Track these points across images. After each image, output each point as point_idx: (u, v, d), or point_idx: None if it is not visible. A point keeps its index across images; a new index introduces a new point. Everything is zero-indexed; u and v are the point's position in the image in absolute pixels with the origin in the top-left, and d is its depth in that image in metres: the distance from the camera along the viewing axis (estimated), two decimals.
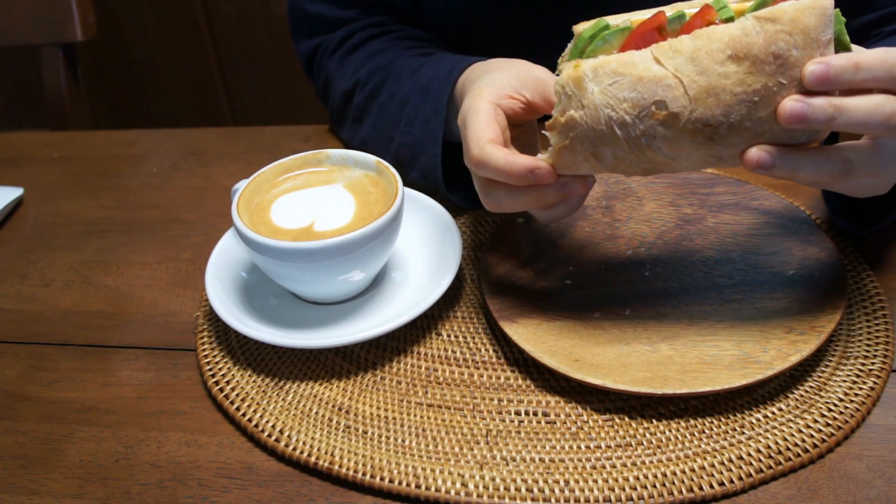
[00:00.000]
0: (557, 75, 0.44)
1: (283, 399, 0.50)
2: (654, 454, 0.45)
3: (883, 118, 0.40)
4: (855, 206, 0.59)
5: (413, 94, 0.64)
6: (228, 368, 0.53)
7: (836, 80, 0.39)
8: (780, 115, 0.40)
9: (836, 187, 0.45)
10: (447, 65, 0.61)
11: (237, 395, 0.51)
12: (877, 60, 0.39)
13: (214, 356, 0.54)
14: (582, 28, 0.44)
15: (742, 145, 0.41)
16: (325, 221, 0.53)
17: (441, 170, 0.61)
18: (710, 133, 0.41)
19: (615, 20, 0.44)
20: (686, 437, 0.46)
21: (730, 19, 0.41)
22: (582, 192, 0.46)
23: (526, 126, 0.54)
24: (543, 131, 0.45)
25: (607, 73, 0.41)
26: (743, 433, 0.45)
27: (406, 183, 0.68)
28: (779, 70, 0.39)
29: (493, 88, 0.50)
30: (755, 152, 0.41)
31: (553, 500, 0.43)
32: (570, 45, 0.45)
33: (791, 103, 0.39)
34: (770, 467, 0.43)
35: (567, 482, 0.44)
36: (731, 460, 0.44)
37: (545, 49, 0.54)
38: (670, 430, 0.46)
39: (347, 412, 0.49)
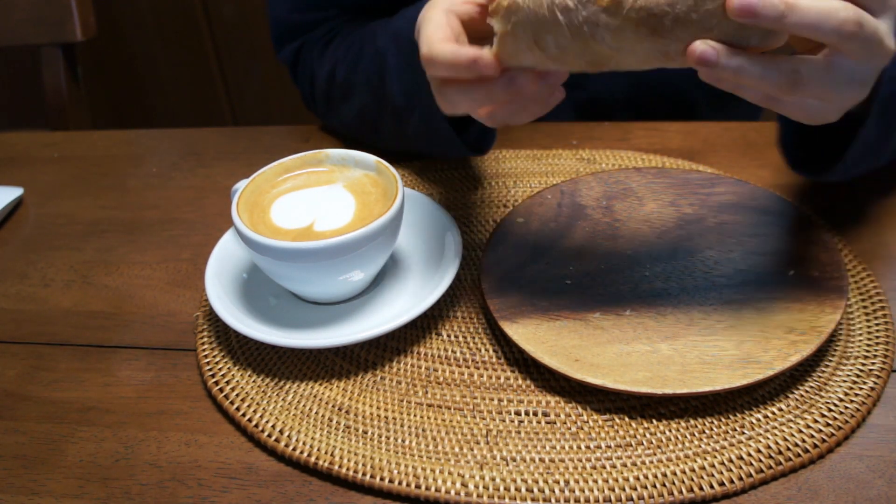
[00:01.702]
0: None
1: (283, 399, 0.50)
2: (654, 454, 0.45)
3: (836, 24, 0.38)
4: (813, 154, 0.58)
5: (388, 44, 0.64)
6: (228, 368, 0.53)
7: None
8: (728, 6, 0.38)
9: (783, 105, 0.43)
10: (415, 8, 0.61)
11: (237, 395, 0.51)
12: None
13: (214, 356, 0.54)
14: None
15: (688, 40, 0.40)
16: (325, 221, 0.53)
17: (438, 108, 0.61)
18: (654, 24, 0.39)
19: None
20: (686, 437, 0.46)
21: None
22: (532, 89, 0.45)
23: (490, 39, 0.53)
24: (489, 20, 0.44)
25: None
26: (743, 433, 0.45)
27: (408, 140, 0.69)
28: None
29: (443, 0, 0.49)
30: (700, 45, 0.39)
31: (553, 500, 0.43)
32: None
33: None
34: (770, 467, 0.43)
35: (567, 482, 0.44)
36: (731, 460, 0.44)
37: None
38: (670, 430, 0.46)
39: (347, 412, 0.49)
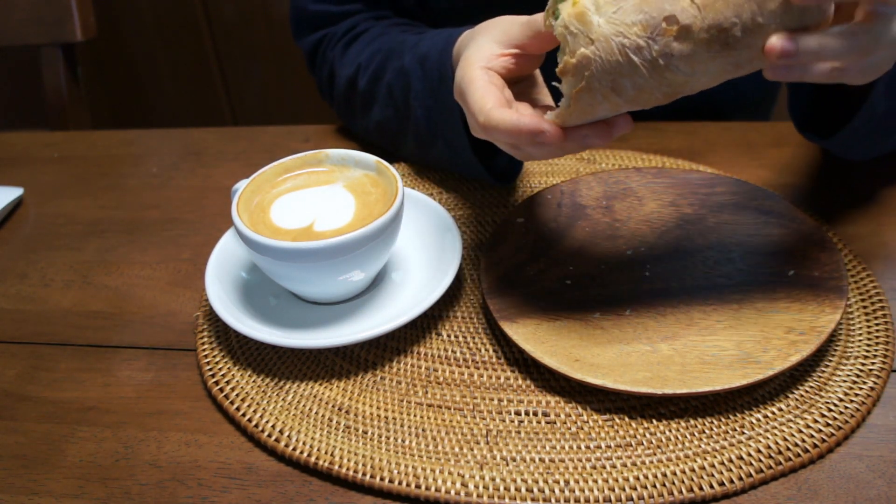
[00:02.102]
0: (548, 23, 0.44)
1: (283, 399, 0.50)
2: (654, 454, 0.45)
3: None
4: (820, 115, 0.59)
5: (414, 66, 0.64)
6: (228, 368, 0.53)
7: None
8: None
9: (846, 74, 0.43)
10: (444, 33, 0.62)
11: (237, 395, 0.51)
12: None
13: (214, 356, 0.54)
14: None
15: (758, 45, 0.41)
16: (325, 221, 0.53)
17: (464, 131, 0.61)
18: (725, 38, 0.40)
19: None
20: (686, 437, 0.46)
21: None
22: (601, 144, 0.46)
23: (527, 80, 0.53)
24: (554, 83, 0.44)
25: (608, 2, 0.41)
26: (743, 433, 0.45)
27: (431, 160, 0.70)
28: None
29: (479, 53, 0.50)
30: (776, 41, 0.40)
31: (553, 500, 0.43)
32: None
33: None
34: (770, 467, 0.43)
35: (567, 482, 0.44)
36: (731, 460, 0.44)
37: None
38: (670, 430, 0.46)
39: (347, 412, 0.49)
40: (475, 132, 0.49)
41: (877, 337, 0.51)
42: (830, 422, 0.46)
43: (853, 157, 0.64)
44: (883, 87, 0.53)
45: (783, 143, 0.73)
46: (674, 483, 0.43)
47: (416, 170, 0.72)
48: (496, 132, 0.46)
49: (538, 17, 0.48)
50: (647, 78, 0.42)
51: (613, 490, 0.43)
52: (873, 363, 0.49)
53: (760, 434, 0.45)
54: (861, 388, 0.47)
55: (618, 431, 0.46)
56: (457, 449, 0.46)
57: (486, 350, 0.53)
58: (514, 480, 0.44)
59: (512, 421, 0.48)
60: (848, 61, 0.42)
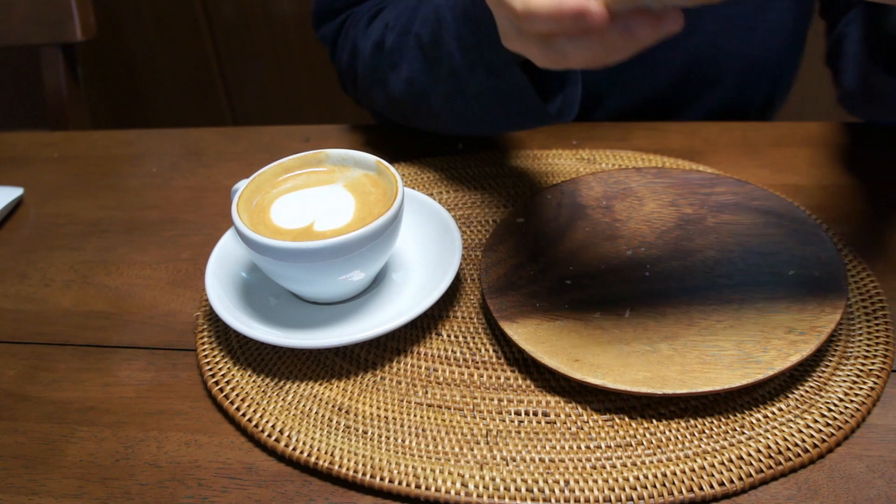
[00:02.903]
0: None
1: (283, 399, 0.50)
2: (654, 454, 0.45)
3: None
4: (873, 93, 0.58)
5: (446, 2, 0.59)
6: (228, 368, 0.53)
7: None
8: None
9: None
10: None
11: (237, 395, 0.51)
12: None
13: (214, 356, 0.54)
14: None
15: None
16: (325, 221, 0.53)
17: (508, 53, 0.55)
18: None
19: None
20: (686, 437, 0.46)
21: None
22: (650, 34, 0.40)
23: None
24: None
25: None
26: (743, 433, 0.45)
27: (470, 104, 0.61)
28: None
29: None
30: None
31: (553, 500, 0.43)
32: None
33: None
34: (770, 467, 0.43)
35: (567, 482, 0.44)
36: (731, 460, 0.44)
37: None
38: (670, 430, 0.46)
39: (347, 412, 0.49)
40: (508, 41, 0.44)
41: (877, 337, 0.51)
42: (830, 422, 0.46)
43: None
44: None
45: (783, 143, 0.73)
46: (674, 483, 0.43)
47: (416, 170, 0.72)
48: (536, 18, 0.40)
49: None
50: None
51: (613, 490, 0.43)
52: (873, 363, 0.49)
53: (760, 434, 0.45)
54: (861, 388, 0.47)
55: (618, 431, 0.46)
56: (457, 449, 0.46)
57: (486, 350, 0.53)
58: (514, 480, 0.44)
59: (512, 421, 0.48)
60: None
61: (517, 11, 0.42)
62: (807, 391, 0.48)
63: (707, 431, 0.46)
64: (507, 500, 0.43)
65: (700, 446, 0.45)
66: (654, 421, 0.47)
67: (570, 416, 0.48)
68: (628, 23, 0.40)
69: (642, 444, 0.45)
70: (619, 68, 0.45)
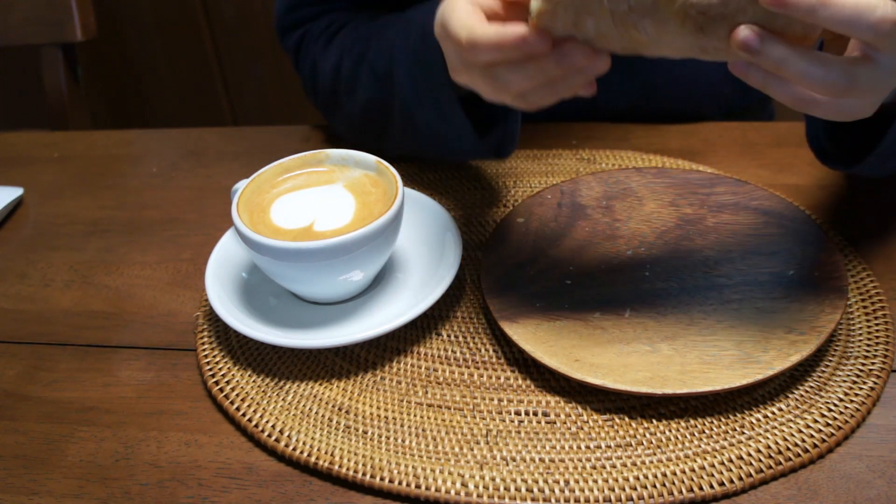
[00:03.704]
0: None
1: (283, 399, 0.50)
2: (654, 454, 0.45)
3: (873, 21, 0.36)
4: (843, 146, 0.57)
5: (397, 32, 0.62)
6: (228, 368, 0.53)
7: None
8: None
9: (816, 106, 0.41)
10: (426, 6, 0.59)
11: (237, 395, 0.51)
12: None
13: (214, 356, 0.54)
14: None
15: (727, 40, 0.39)
16: (325, 221, 0.53)
17: (453, 94, 0.58)
18: (702, 21, 0.39)
19: None
20: (686, 437, 0.46)
21: None
22: (586, 61, 0.42)
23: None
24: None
25: None
26: (743, 433, 0.45)
27: (419, 134, 0.65)
28: None
29: None
30: (744, 28, 0.38)
31: (553, 500, 0.43)
32: None
33: None
34: (770, 467, 0.43)
35: (567, 482, 0.44)
36: (731, 460, 0.44)
37: None
38: (670, 430, 0.46)
39: (347, 412, 0.49)
40: (456, 74, 0.46)
41: (877, 337, 0.51)
42: (830, 422, 0.46)
43: (883, 175, 0.60)
44: None
45: (783, 143, 0.73)
46: (674, 483, 0.43)
47: (416, 170, 0.72)
48: (479, 45, 0.43)
49: None
50: (611, 27, 0.41)
51: (613, 490, 0.43)
52: (873, 363, 0.49)
53: (760, 434, 0.45)
54: (861, 388, 0.47)
55: (618, 431, 0.46)
56: (457, 449, 0.46)
57: (486, 350, 0.53)
58: (514, 480, 0.44)
59: (512, 421, 0.48)
60: (819, 91, 0.39)
61: (462, 42, 0.45)
62: (807, 391, 0.48)
63: (707, 431, 0.46)
64: (507, 500, 0.43)
65: (700, 446, 0.45)
66: (654, 421, 0.47)
67: (570, 416, 0.48)
68: (567, 51, 0.42)
69: (642, 444, 0.45)
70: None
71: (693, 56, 0.42)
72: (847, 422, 0.45)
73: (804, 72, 0.38)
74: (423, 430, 0.48)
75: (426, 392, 0.50)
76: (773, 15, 0.38)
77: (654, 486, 0.43)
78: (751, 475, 0.43)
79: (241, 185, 0.56)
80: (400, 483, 0.44)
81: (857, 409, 0.46)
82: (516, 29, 0.42)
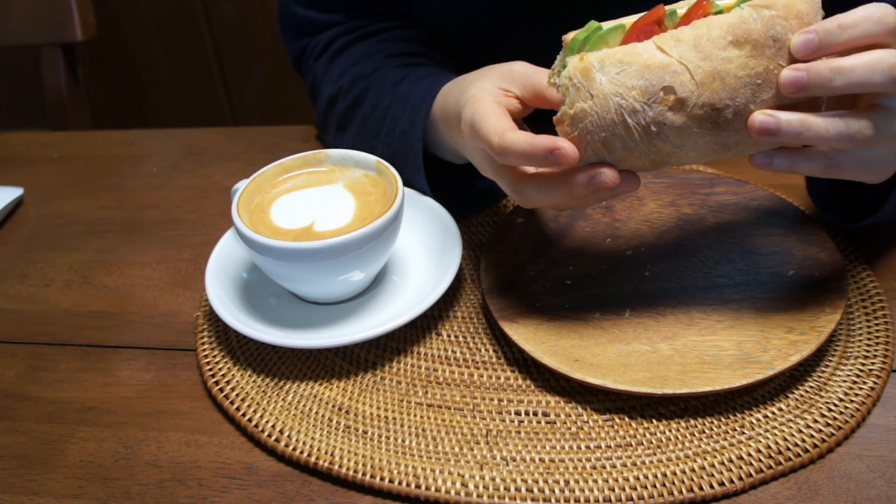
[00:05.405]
0: (552, 81, 0.45)
1: (283, 399, 0.50)
2: (654, 454, 0.45)
3: (886, 69, 0.39)
4: (845, 199, 0.58)
5: (393, 105, 0.63)
6: (228, 368, 0.53)
7: (824, 43, 0.39)
8: (779, 84, 0.40)
9: (843, 168, 0.42)
10: (428, 80, 0.61)
11: (237, 395, 0.51)
12: (861, 16, 0.39)
13: (214, 356, 0.54)
14: (571, 36, 0.45)
15: (746, 130, 0.42)
16: (325, 221, 0.53)
17: (425, 179, 0.60)
18: (716, 118, 0.41)
19: (605, 24, 0.44)
20: (686, 437, 0.46)
21: (721, 13, 0.42)
22: (614, 183, 0.44)
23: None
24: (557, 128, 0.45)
25: (613, 63, 0.42)
26: (743, 433, 0.45)
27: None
28: (778, 53, 0.40)
29: (487, 93, 0.50)
30: (757, 114, 0.40)
31: (553, 500, 0.43)
32: (560, 54, 0.45)
33: (787, 72, 0.39)
34: (770, 467, 0.43)
35: (567, 482, 0.44)
36: (731, 460, 0.44)
37: (536, 50, 0.53)
38: (670, 430, 0.46)
39: (347, 412, 0.49)
40: (483, 170, 0.49)
41: (877, 337, 0.51)
42: (830, 422, 0.46)
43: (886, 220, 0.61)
44: None
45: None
46: (674, 483, 0.43)
47: None
48: (510, 152, 0.45)
49: (539, 75, 0.49)
50: (638, 142, 0.43)
51: (613, 490, 0.43)
52: (873, 363, 0.49)
53: (760, 434, 0.45)
54: (861, 388, 0.47)
55: (618, 431, 0.46)
56: (457, 449, 0.46)
57: (486, 350, 0.53)
58: (514, 480, 0.44)
59: (512, 421, 0.48)
60: (844, 145, 0.41)
61: (494, 147, 0.46)
62: (807, 391, 0.48)
63: (707, 431, 0.46)
64: (507, 500, 0.43)
65: (700, 446, 0.45)
66: (654, 421, 0.47)
67: (570, 416, 0.48)
68: (595, 173, 0.44)
69: (642, 444, 0.45)
70: None
71: (717, 156, 0.44)
72: (847, 422, 0.45)
73: (827, 128, 0.40)
74: (423, 430, 0.48)
75: (426, 392, 0.50)
76: (781, 97, 0.41)
77: (654, 486, 0.43)
78: (751, 475, 0.43)
79: (241, 185, 0.56)
80: (400, 483, 0.44)
81: (857, 409, 0.46)
82: (546, 140, 0.43)
